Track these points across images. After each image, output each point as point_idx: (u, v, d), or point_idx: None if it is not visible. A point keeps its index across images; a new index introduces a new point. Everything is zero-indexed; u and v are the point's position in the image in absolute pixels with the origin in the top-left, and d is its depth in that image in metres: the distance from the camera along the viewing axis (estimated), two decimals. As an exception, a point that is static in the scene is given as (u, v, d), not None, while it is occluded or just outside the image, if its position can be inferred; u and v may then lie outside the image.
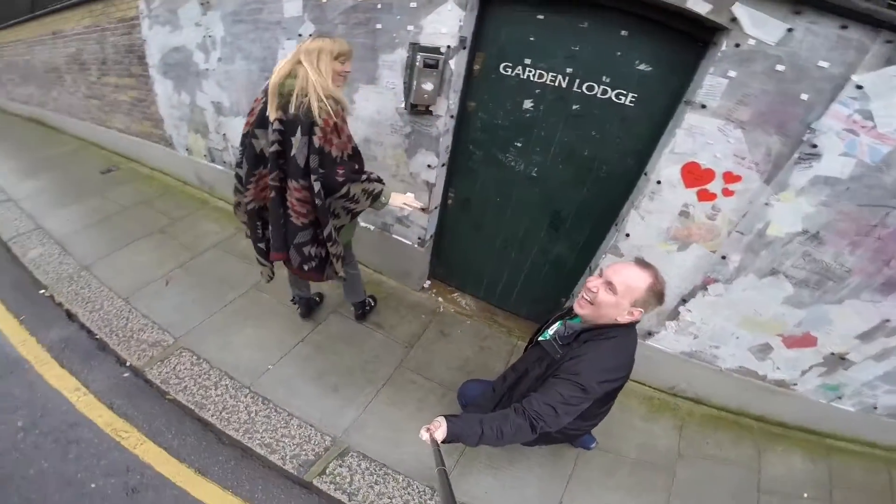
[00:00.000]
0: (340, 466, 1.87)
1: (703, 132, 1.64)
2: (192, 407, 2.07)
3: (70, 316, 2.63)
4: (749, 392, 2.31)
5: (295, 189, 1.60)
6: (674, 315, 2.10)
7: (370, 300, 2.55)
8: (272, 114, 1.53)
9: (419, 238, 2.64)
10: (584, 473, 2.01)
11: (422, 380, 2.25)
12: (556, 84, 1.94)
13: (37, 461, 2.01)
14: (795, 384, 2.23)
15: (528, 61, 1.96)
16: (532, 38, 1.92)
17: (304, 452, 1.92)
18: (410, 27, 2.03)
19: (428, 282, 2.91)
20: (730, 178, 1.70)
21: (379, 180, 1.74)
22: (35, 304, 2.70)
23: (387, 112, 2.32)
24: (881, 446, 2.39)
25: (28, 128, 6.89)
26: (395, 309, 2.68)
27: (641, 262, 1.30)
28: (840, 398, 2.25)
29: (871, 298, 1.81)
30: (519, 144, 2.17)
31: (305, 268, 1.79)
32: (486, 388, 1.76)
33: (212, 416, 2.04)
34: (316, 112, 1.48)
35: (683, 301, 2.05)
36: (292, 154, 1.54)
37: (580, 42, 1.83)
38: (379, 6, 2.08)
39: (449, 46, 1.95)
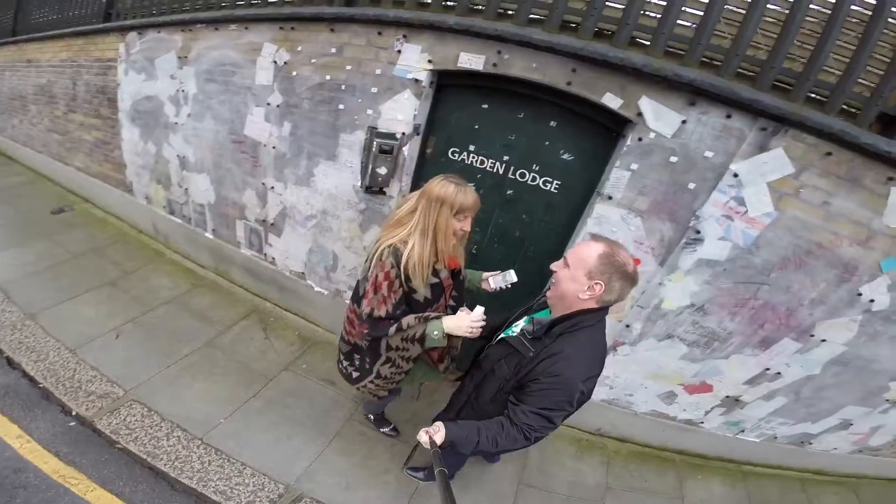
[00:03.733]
0: (296, 512, 1.87)
1: (609, 221, 1.88)
2: (144, 456, 2.08)
3: (11, 363, 2.51)
4: (665, 431, 2.54)
5: (350, 310, 1.60)
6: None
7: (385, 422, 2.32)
8: None
9: None
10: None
11: (371, 432, 2.30)
12: (495, 171, 2.13)
13: (-20, 505, 1.83)
14: (702, 422, 2.49)
15: (472, 148, 2.15)
16: (477, 126, 2.11)
17: (258, 499, 1.93)
18: (370, 111, 2.17)
19: None
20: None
21: (420, 321, 1.43)
22: (-28, 351, 2.54)
23: (344, 188, 2.41)
24: (791, 468, 2.70)
25: (-26, 152, 6.27)
26: None
27: (597, 236, 1.29)
28: (743, 431, 2.53)
29: (752, 353, 2.10)
30: (462, 225, 2.32)
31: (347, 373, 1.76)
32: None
33: (164, 465, 2.05)
34: (374, 255, 1.40)
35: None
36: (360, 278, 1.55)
37: (516, 131, 2.04)
38: (343, 87, 2.21)
39: (404, 133, 2.10)
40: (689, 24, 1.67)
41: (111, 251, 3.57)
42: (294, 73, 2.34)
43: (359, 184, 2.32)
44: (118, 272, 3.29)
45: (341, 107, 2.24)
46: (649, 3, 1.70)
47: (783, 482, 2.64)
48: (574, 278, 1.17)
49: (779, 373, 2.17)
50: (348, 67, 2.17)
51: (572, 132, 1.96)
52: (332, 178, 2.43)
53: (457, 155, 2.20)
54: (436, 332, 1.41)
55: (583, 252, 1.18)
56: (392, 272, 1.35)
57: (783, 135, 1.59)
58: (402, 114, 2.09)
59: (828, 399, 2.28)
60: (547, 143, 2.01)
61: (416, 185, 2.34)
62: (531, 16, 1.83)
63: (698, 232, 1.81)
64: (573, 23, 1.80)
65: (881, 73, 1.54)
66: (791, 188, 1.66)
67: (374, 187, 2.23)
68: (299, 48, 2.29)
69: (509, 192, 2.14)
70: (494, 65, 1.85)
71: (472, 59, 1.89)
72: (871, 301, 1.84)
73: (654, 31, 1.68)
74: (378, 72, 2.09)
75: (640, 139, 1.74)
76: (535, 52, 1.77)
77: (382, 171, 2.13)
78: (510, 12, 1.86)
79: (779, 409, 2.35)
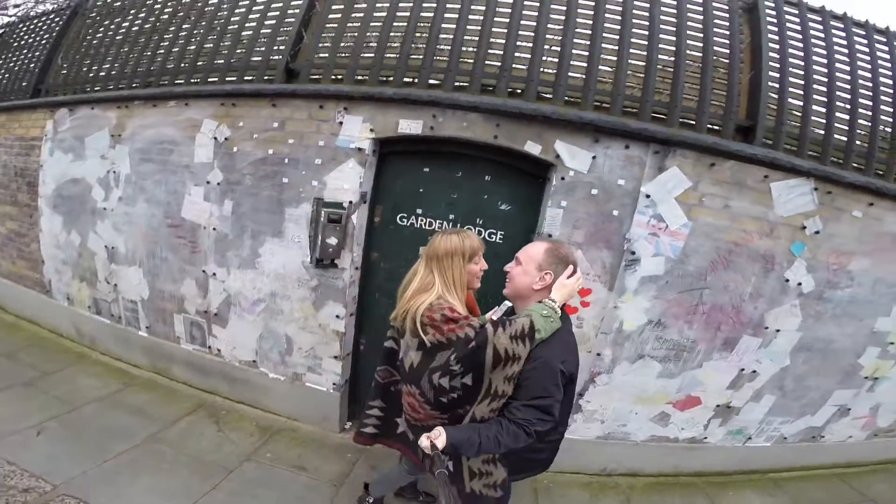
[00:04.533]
0: None
1: None
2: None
3: None
4: (673, 455, 2.87)
5: (407, 394, 1.74)
6: (576, 409, 2.66)
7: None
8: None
9: (334, 384, 2.95)
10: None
11: None
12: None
13: None
14: (706, 438, 2.86)
15: (419, 211, 2.66)
16: (421, 190, 2.65)
17: None
18: (315, 182, 2.64)
19: (349, 423, 3.12)
20: (583, 292, 2.45)
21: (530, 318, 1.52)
22: None
23: (292, 266, 2.79)
24: (818, 466, 3.08)
25: None
26: (317, 451, 2.87)
27: (542, 237, 1.73)
28: (749, 438, 2.92)
29: (721, 357, 2.59)
30: (421, 292, 2.73)
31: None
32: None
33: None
34: (414, 318, 1.59)
35: (581, 395, 2.64)
36: (401, 357, 1.76)
37: (457, 190, 2.60)
38: (286, 161, 2.68)
39: (351, 202, 2.58)
40: (579, 75, 2.38)
41: (25, 355, 3.67)
42: (235, 149, 2.79)
43: (308, 259, 2.71)
44: (35, 373, 3.39)
45: (285, 180, 2.69)
46: (546, 61, 2.42)
47: (821, 481, 3.01)
48: (526, 272, 1.62)
49: (755, 371, 2.65)
50: (291, 141, 2.66)
51: (506, 183, 2.55)
52: (280, 256, 2.80)
53: (405, 220, 2.70)
54: (545, 311, 1.51)
55: (531, 250, 1.66)
56: (453, 305, 1.60)
57: (673, 155, 2.25)
58: (347, 183, 2.58)
59: (812, 388, 2.78)
60: (485, 196, 2.58)
61: (367, 256, 2.78)
62: (457, 83, 2.48)
63: (633, 253, 2.36)
64: (490, 85, 2.47)
65: (724, 93, 2.31)
66: (695, 199, 2.30)
67: (325, 259, 2.62)
68: (241, 123, 2.77)
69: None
70: (431, 128, 2.44)
71: (410, 125, 2.47)
72: (799, 284, 2.44)
73: (554, 85, 2.39)
74: (321, 143, 2.60)
75: (562, 178, 2.34)
76: (465, 113, 2.39)
77: (333, 241, 2.55)
78: (439, 81, 2.50)
79: (773, 408, 2.81)
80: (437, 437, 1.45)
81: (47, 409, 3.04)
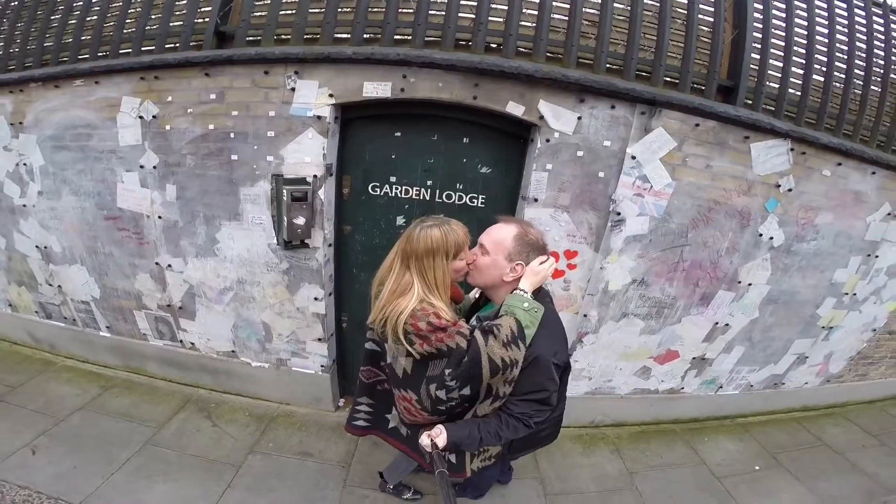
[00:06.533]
0: None
1: (541, 222, 2.35)
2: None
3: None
4: (653, 406, 3.11)
5: (401, 398, 1.65)
6: (566, 368, 2.80)
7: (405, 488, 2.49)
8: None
9: (321, 366, 2.92)
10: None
11: (374, 493, 2.50)
12: (421, 197, 2.52)
13: None
14: (683, 388, 3.09)
15: (393, 179, 2.52)
16: (394, 156, 2.48)
17: None
18: (270, 157, 2.40)
19: (342, 400, 3.18)
20: (570, 254, 2.48)
21: (497, 315, 1.51)
22: None
23: (258, 249, 2.62)
24: (779, 411, 3.47)
25: None
26: (318, 434, 2.93)
27: (507, 218, 1.58)
28: (721, 387, 3.19)
29: (698, 311, 2.74)
30: (400, 262, 2.66)
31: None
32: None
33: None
34: (394, 326, 1.45)
35: (569, 355, 2.73)
36: (388, 361, 1.64)
37: (433, 154, 2.46)
38: (232, 136, 2.41)
39: (315, 176, 2.37)
40: (560, 29, 2.24)
41: (-18, 368, 3.41)
42: (168, 127, 2.47)
43: (274, 241, 2.53)
44: (3, 388, 3.22)
45: (234, 157, 2.43)
46: (525, 13, 2.24)
47: (782, 425, 3.39)
48: (496, 264, 1.51)
49: (727, 324, 2.83)
50: (235, 113, 2.37)
51: (485, 145, 2.44)
52: (241, 240, 2.60)
53: (378, 189, 2.55)
54: (526, 304, 1.47)
55: (497, 235, 1.53)
56: (438, 309, 1.46)
57: (659, 115, 2.21)
58: (309, 155, 2.36)
59: (776, 338, 3.01)
60: (464, 160, 2.45)
61: (339, 231, 2.64)
62: (427, 38, 2.25)
63: (619, 213, 2.37)
64: (464, 40, 2.27)
65: (708, 52, 2.27)
66: (679, 159, 2.30)
67: (293, 241, 2.43)
68: (169, 98, 2.43)
69: (440, 216, 2.53)
70: (402, 90, 2.22)
71: (377, 88, 2.23)
72: (771, 238, 2.57)
73: (534, 40, 2.23)
74: (272, 113, 2.33)
75: (547, 140, 2.26)
76: (440, 72, 2.18)
77: (300, 220, 2.37)
78: (407, 37, 2.25)
79: (741, 358, 3.04)
80: (438, 436, 1.45)
81: (32, 424, 2.96)
